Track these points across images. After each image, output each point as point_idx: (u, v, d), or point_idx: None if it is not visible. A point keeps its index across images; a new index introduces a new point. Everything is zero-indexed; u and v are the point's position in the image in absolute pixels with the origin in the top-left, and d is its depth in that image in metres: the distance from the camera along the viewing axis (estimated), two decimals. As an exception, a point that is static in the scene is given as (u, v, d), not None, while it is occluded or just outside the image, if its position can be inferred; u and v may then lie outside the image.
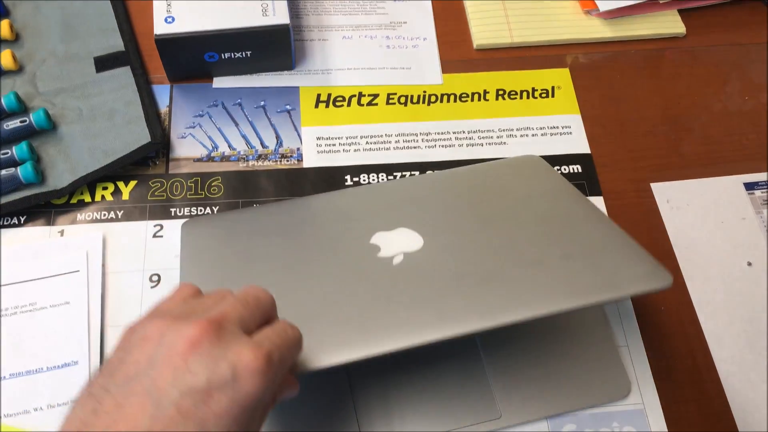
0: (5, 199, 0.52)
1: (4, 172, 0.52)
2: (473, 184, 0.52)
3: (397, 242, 0.44)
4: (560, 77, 0.63)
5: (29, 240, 0.52)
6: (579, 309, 0.40)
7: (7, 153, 0.53)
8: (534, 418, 0.46)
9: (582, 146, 0.59)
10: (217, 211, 0.54)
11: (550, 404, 0.46)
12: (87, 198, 0.54)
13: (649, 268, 0.41)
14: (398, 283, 0.41)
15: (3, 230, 0.52)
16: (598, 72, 0.64)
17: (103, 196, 0.54)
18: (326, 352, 0.37)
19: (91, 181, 0.54)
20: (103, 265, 0.51)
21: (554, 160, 0.58)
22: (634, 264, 0.41)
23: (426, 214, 0.46)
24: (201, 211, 0.54)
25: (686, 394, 0.49)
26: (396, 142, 0.59)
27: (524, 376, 0.47)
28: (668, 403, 0.49)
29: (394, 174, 0.57)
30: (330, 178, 0.57)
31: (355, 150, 0.58)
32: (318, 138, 0.59)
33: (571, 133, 0.60)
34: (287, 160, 0.57)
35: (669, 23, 0.66)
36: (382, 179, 0.57)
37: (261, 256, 0.47)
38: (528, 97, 0.62)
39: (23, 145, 0.53)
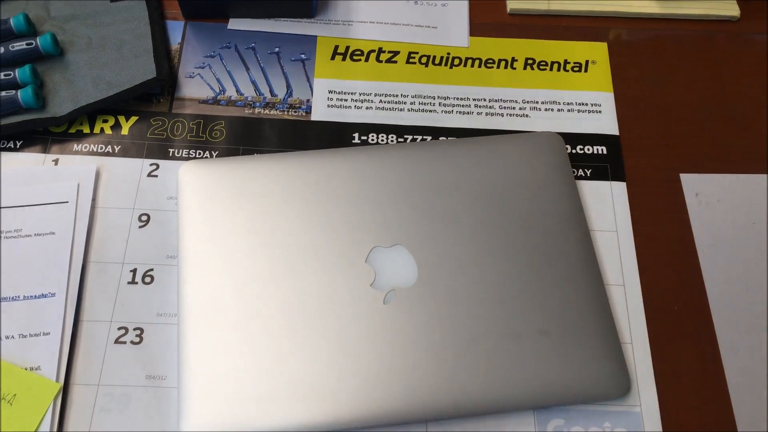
0: (3, 122, 0.51)
1: (3, 93, 0.51)
2: (479, 171, 0.50)
3: (392, 271, 0.46)
4: (596, 51, 0.59)
5: (23, 165, 0.51)
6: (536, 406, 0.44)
7: (10, 75, 0.52)
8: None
9: (611, 127, 0.55)
10: (217, 155, 0.52)
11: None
12: (86, 129, 0.53)
13: (611, 369, 0.44)
14: (383, 336, 0.44)
15: (-2, 153, 0.51)
16: (639, 50, 0.59)
17: (102, 129, 0.53)
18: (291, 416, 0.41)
19: (91, 112, 0.53)
20: (94, 199, 0.50)
21: (578, 139, 0.55)
22: (600, 358, 0.44)
23: (422, 226, 0.48)
24: (200, 154, 0.52)
25: (689, 402, 0.46)
26: (411, 103, 0.56)
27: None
28: (668, 409, 0.45)
29: (405, 137, 0.54)
30: (337, 135, 0.54)
31: (367, 108, 0.55)
32: (330, 91, 0.56)
33: (600, 111, 0.56)
34: (295, 111, 0.55)
35: (722, 5, 0.61)
36: (392, 141, 0.54)
37: (257, 215, 0.47)
38: (559, 70, 0.58)
39: (27, 68, 0.52)
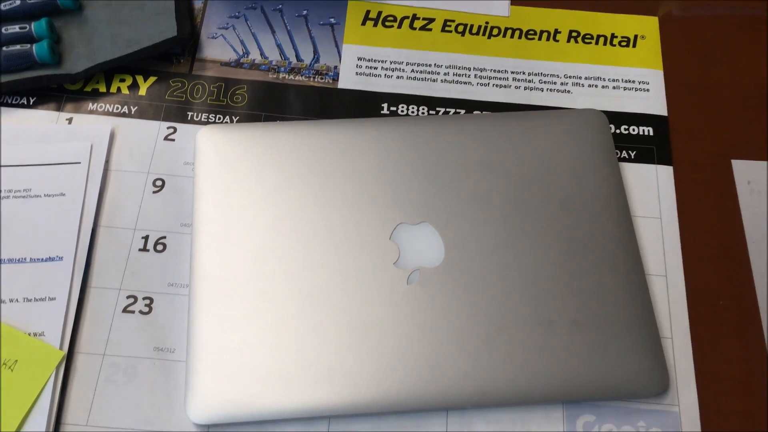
0: (16, 76, 0.49)
1: (18, 46, 0.49)
2: (515, 148, 0.47)
3: (417, 249, 0.43)
4: (646, 26, 0.55)
5: (35, 123, 0.48)
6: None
7: (26, 28, 0.50)
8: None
9: (659, 107, 0.52)
10: (237, 121, 0.50)
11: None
12: (102, 88, 0.50)
13: (649, 364, 0.41)
14: (406, 317, 0.41)
15: (10, 109, 0.49)
16: (693, 26, 0.55)
17: (119, 89, 0.50)
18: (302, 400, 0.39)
19: (108, 70, 0.50)
20: (107, 161, 0.47)
21: (623, 119, 0.51)
22: (637, 353, 0.41)
23: (451, 203, 0.45)
24: (220, 119, 0.50)
25: (731, 405, 0.43)
26: (445, 74, 0.52)
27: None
28: (708, 410, 0.42)
29: (437, 109, 0.51)
30: (365, 104, 0.51)
31: (398, 77, 0.52)
32: (359, 58, 0.53)
33: (648, 90, 0.52)
34: (321, 78, 0.52)
35: (786, -20, 0.57)
36: (423, 113, 0.51)
37: (277, 185, 0.45)
38: (605, 44, 0.54)
39: (43, 21, 0.50)
